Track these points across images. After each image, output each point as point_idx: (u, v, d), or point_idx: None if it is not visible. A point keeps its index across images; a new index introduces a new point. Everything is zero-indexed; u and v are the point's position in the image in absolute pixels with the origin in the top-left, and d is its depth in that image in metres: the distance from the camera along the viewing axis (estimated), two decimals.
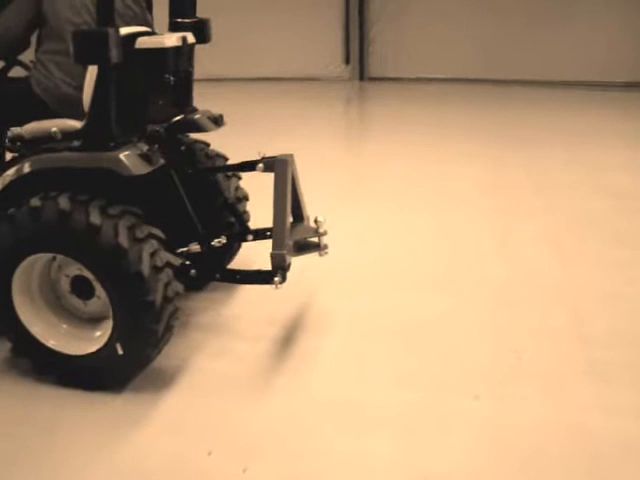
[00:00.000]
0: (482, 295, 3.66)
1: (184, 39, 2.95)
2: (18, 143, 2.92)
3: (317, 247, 3.26)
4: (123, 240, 2.56)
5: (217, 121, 3.37)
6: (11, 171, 2.79)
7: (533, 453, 2.45)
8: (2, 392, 2.92)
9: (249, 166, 3.31)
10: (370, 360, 3.08)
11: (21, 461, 2.51)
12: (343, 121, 9.38)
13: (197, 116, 3.30)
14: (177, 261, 2.85)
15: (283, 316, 3.44)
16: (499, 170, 6.06)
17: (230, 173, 3.60)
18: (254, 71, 11.48)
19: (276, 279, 2.92)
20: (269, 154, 3.23)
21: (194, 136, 3.54)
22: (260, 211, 3.50)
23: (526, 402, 2.75)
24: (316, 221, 3.25)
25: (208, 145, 3.66)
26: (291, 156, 3.21)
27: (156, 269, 2.65)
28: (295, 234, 3.18)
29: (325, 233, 3.25)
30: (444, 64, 10.72)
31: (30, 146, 2.86)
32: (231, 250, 3.62)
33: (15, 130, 2.90)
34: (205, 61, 11.42)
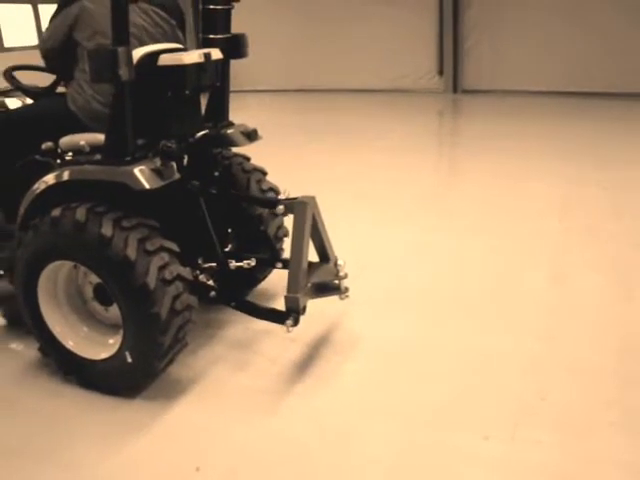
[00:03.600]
0: (521, 326, 3.46)
1: (207, 56, 2.99)
2: (51, 155, 3.06)
3: (337, 290, 3.22)
4: (131, 252, 2.63)
5: (250, 136, 3.40)
6: (42, 181, 2.93)
7: None
8: (32, 390, 3.08)
9: (270, 204, 3.32)
10: (385, 389, 2.98)
11: (30, 454, 2.65)
12: (431, 134, 9.23)
13: (229, 131, 3.35)
14: (190, 275, 2.88)
15: (309, 335, 3.39)
16: (577, 189, 5.76)
17: (266, 187, 3.61)
18: (347, 82, 11.59)
19: (288, 322, 2.93)
20: (340, 169, 3.18)
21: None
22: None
23: (539, 448, 2.55)
24: (336, 264, 3.21)
25: (248, 159, 3.69)
26: (312, 198, 3.18)
27: (164, 282, 2.70)
28: (315, 276, 3.15)
29: (345, 277, 3.21)
30: (540, 76, 10.36)
31: (61, 158, 2.99)
32: (261, 273, 3.62)
33: (49, 143, 3.05)
34: (299, 72, 11.77)
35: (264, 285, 3.79)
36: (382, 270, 4.11)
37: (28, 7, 11.54)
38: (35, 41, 11.82)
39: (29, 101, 3.61)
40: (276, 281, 3.74)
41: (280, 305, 3.32)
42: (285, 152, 3.60)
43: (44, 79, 3.52)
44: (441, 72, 11.16)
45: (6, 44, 11.42)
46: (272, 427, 2.74)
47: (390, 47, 11.30)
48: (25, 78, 3.54)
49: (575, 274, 4.10)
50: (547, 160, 6.82)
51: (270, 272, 3.73)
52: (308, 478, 2.46)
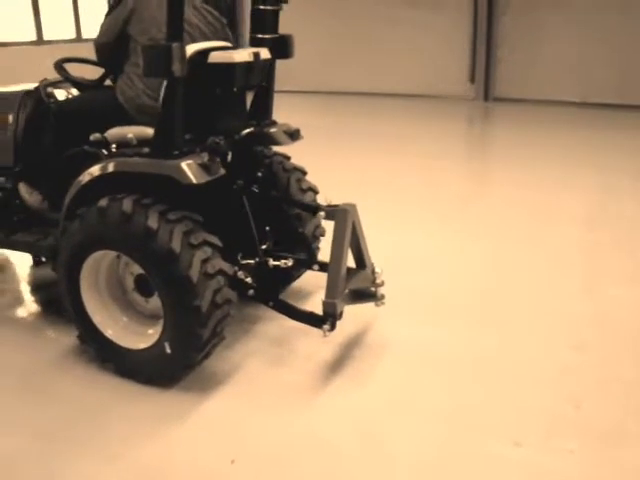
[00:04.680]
0: (552, 335, 3.46)
1: (256, 55, 3.03)
2: (99, 146, 3.11)
3: (374, 297, 3.26)
4: (176, 245, 2.68)
5: (293, 135, 3.44)
6: (89, 171, 2.99)
7: None
8: (68, 377, 3.15)
9: (311, 209, 3.40)
10: (417, 391, 3.00)
11: (68, 434, 2.73)
12: (460, 141, 9.22)
13: (273, 129, 3.39)
14: (231, 270, 2.92)
15: (341, 336, 3.41)
16: (608, 200, 5.74)
17: (305, 186, 3.65)
18: (380, 86, 11.62)
19: (325, 326, 2.98)
20: (369, 173, 3.23)
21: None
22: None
23: (573, 457, 2.55)
24: (374, 272, 3.25)
25: (288, 158, 3.73)
26: (353, 206, 3.23)
27: (206, 275, 2.74)
28: (353, 282, 3.19)
29: (382, 284, 3.26)
30: (573, 87, 10.30)
31: (108, 149, 3.05)
32: (297, 271, 3.66)
33: (97, 134, 3.10)
34: (331, 75, 11.80)
35: (297, 283, 3.83)
36: (412, 274, 4.12)
37: (103, 1, 11.72)
38: (74, 34, 12.06)
39: (75, 93, 3.67)
40: (309, 280, 3.79)
41: (312, 304, 3.39)
42: (314, 153, 3.65)
43: (88, 71, 3.59)
44: (473, 79, 11.13)
45: (45, 37, 11.58)
46: (306, 422, 2.78)
47: (423, 53, 11.31)
48: (71, 70, 3.61)
49: (606, 284, 4.09)
50: (579, 170, 6.79)
51: (305, 271, 3.76)
52: (340, 474, 2.48)
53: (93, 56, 3.40)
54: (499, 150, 8.29)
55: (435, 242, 4.84)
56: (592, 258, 4.51)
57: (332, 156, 3.71)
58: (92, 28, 12.07)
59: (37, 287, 4.28)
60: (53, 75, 3.76)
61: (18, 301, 4.08)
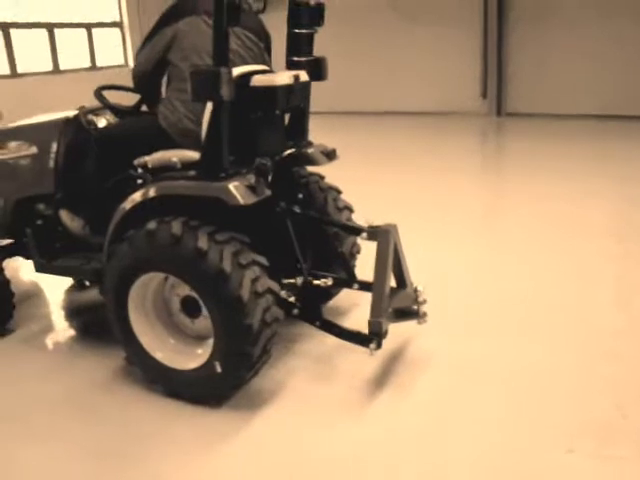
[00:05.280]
0: (590, 345, 3.48)
1: (296, 77, 3.10)
2: (144, 171, 3.18)
3: (416, 315, 3.31)
4: (227, 265, 2.73)
5: (330, 155, 3.50)
6: (136, 195, 3.06)
7: None
8: (118, 395, 3.21)
9: (353, 231, 3.47)
10: (462, 402, 3.04)
11: (121, 454, 2.76)
12: (474, 156, 9.27)
13: (310, 150, 3.46)
14: (278, 288, 2.97)
15: (383, 351, 3.42)
16: (632, 211, 5.77)
17: (341, 205, 3.71)
18: (394, 105, 11.74)
19: (371, 345, 3.03)
20: (385, 190, 3.29)
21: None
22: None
23: (625, 464, 2.57)
24: (416, 290, 3.31)
25: (323, 178, 3.80)
26: (394, 226, 3.30)
27: (256, 294, 2.79)
28: (395, 301, 3.25)
29: (424, 302, 3.31)
30: (585, 100, 10.36)
31: (153, 174, 3.11)
32: (333, 290, 3.70)
33: (141, 159, 3.17)
34: (345, 95, 11.90)
35: (332, 301, 3.87)
36: (445, 289, 4.15)
37: (117, 30, 12.40)
38: (122, 61, 12.69)
39: (113, 119, 3.75)
40: (344, 297, 3.85)
41: (349, 322, 3.43)
42: (332, 171, 3.72)
43: (120, 98, 3.68)
44: (485, 95, 11.22)
45: (98, 64, 12.14)
46: (356, 437, 2.80)
47: (434, 70, 11.43)
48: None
49: (637, 296, 4.11)
50: (597, 182, 6.82)
51: (341, 290, 3.81)
52: None
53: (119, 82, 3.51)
54: (516, 163, 8.33)
55: (464, 256, 4.88)
56: (620, 268, 4.54)
57: (345, 174, 3.78)
58: (105, 57, 12.31)
59: (74, 311, 4.35)
60: (70, 104, 3.87)
61: (58, 325, 4.14)
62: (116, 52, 12.87)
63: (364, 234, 3.32)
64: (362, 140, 9.70)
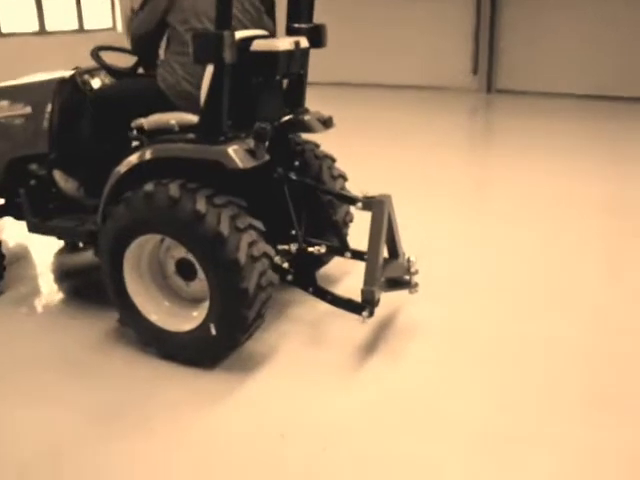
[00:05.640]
0: (578, 315, 3.56)
1: (297, 43, 3.10)
2: (141, 133, 3.17)
3: (408, 284, 3.35)
4: (224, 228, 2.75)
5: (326, 123, 3.51)
6: (133, 157, 3.05)
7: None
8: (112, 356, 3.23)
9: (349, 200, 3.48)
10: (450, 367, 3.11)
11: (117, 414, 2.80)
12: (463, 132, 9.30)
13: (307, 117, 3.46)
14: (273, 252, 3.00)
15: (376, 318, 3.48)
16: (621, 191, 5.84)
17: (336, 173, 3.73)
18: (382, 78, 11.69)
19: (364, 313, 3.08)
20: (374, 163, 3.32)
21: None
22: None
23: (612, 430, 2.66)
24: (409, 260, 3.35)
25: (318, 146, 3.81)
26: (389, 197, 3.33)
27: (252, 258, 2.82)
28: (388, 271, 3.29)
29: (416, 272, 3.36)
30: (576, 79, 10.38)
31: (150, 136, 3.11)
32: (325, 258, 3.73)
33: (138, 121, 3.16)
34: (336, 66, 11.84)
35: (324, 269, 3.91)
36: (435, 259, 4.18)
37: None
38: (110, 24, 12.53)
39: (108, 81, 3.73)
40: (336, 265, 3.89)
41: (341, 289, 3.47)
42: (321, 141, 3.76)
43: (115, 60, 3.65)
44: (475, 71, 11.20)
45: (86, 26, 12.02)
46: (346, 398, 2.87)
47: (426, 44, 11.39)
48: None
49: (629, 271, 4.19)
50: (587, 160, 6.90)
51: (332, 258, 3.84)
52: (386, 445, 2.57)
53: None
54: (506, 140, 8.36)
55: (453, 228, 4.93)
56: (611, 243, 4.62)
57: (334, 144, 3.81)
58: (92, 19, 12.12)
59: (65, 274, 4.35)
60: (56, 66, 3.84)
61: (49, 287, 4.15)
62: (104, 15, 12.67)
63: (359, 204, 3.35)
64: (352, 112, 9.65)
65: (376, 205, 3.26)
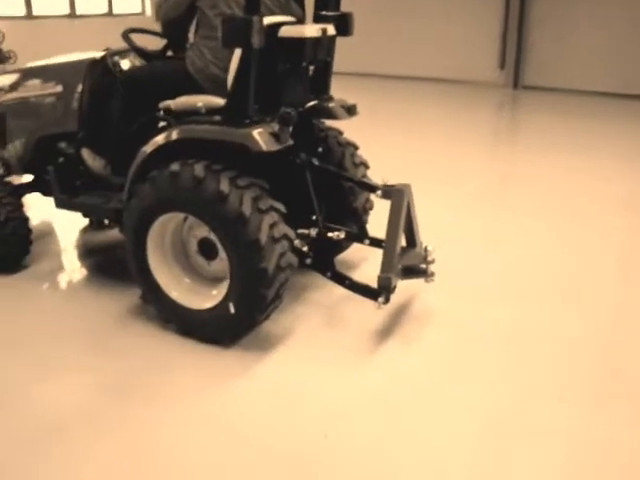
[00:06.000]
0: (592, 312, 3.58)
1: (324, 31, 3.15)
2: (169, 114, 3.24)
3: (424, 273, 3.39)
4: (246, 209, 2.82)
5: (350, 110, 3.56)
6: (160, 137, 3.12)
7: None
8: (132, 331, 3.32)
9: (369, 188, 3.53)
10: (463, 355, 3.16)
11: (134, 385, 2.89)
12: (487, 127, 9.27)
13: (331, 104, 3.51)
14: (294, 235, 3.06)
15: (391, 304, 3.53)
16: None
17: (358, 161, 3.77)
18: (409, 70, 11.69)
19: (380, 299, 3.13)
20: (396, 155, 3.35)
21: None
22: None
23: (613, 413, 2.71)
24: (426, 249, 3.40)
25: (341, 133, 3.85)
26: (408, 186, 3.38)
27: (273, 239, 2.88)
28: (405, 259, 3.34)
29: (433, 261, 3.40)
30: (605, 77, 10.27)
31: (177, 117, 3.17)
32: (344, 244, 3.79)
33: (166, 102, 3.23)
34: (362, 57, 11.83)
35: (342, 255, 3.97)
36: (453, 251, 4.22)
37: None
38: (139, 9, 12.92)
39: (138, 63, 3.80)
40: (354, 252, 3.95)
41: (358, 276, 3.51)
42: (346, 131, 3.82)
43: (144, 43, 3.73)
44: (502, 66, 11.14)
45: (115, 11, 12.41)
46: (361, 379, 2.93)
47: (453, 38, 11.35)
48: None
49: None
50: (610, 159, 6.86)
51: (351, 244, 3.90)
52: (398, 425, 2.64)
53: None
54: (531, 137, 8.32)
55: (473, 221, 4.96)
56: (626, 242, 4.61)
57: (358, 135, 3.85)
58: (122, 4, 12.25)
59: (89, 251, 4.45)
60: (85, 48, 3.92)
61: (73, 264, 4.25)
62: (134, 0, 12.80)
63: (379, 192, 3.40)
64: (377, 102, 9.68)
65: (395, 194, 3.31)
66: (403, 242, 3.43)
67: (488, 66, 11.26)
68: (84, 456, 2.46)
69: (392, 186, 3.38)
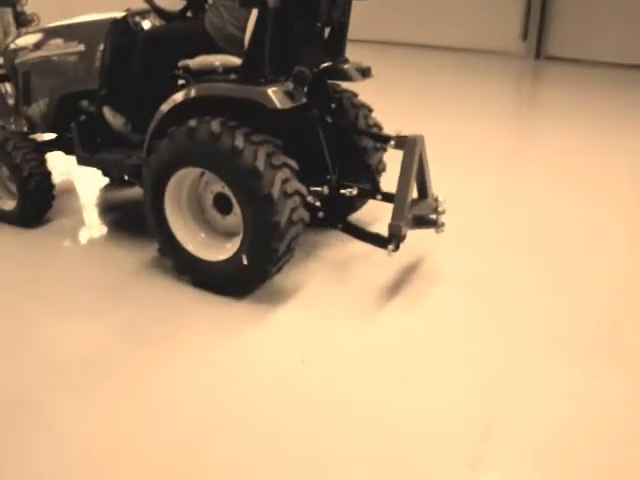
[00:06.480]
0: (597, 278, 3.64)
1: None
2: (187, 72, 3.33)
3: (435, 224, 3.47)
4: (260, 164, 2.92)
5: (364, 72, 3.63)
6: (178, 95, 3.23)
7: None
8: (148, 282, 3.47)
9: (382, 139, 3.61)
10: (469, 313, 3.25)
11: (148, 333, 3.03)
12: (506, 99, 9.22)
13: (346, 66, 3.59)
14: (305, 191, 3.16)
15: (399, 264, 3.64)
16: None
17: (372, 122, 3.85)
18: (428, 38, 11.61)
19: (390, 247, 3.21)
20: (413, 122, 3.42)
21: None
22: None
23: (608, 377, 2.79)
24: (436, 200, 3.46)
25: (356, 95, 3.93)
26: (421, 137, 3.44)
27: (285, 194, 2.99)
28: (416, 209, 3.41)
29: (443, 212, 3.46)
30: (633, 49, 10.08)
31: (195, 76, 3.27)
32: (359, 202, 3.91)
33: (184, 61, 3.33)
34: (381, 24, 11.69)
35: (356, 215, 4.07)
36: (465, 214, 4.30)
37: None
38: None
39: (158, 23, 3.89)
40: (368, 212, 4.04)
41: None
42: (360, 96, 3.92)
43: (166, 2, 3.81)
44: (525, 36, 11.01)
45: None
46: (367, 334, 3.04)
47: (473, 3, 11.22)
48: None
49: None
50: (631, 134, 6.79)
51: (365, 203, 3.99)
52: (396, 381, 2.74)
53: None
54: (548, 111, 8.29)
55: (481, 186, 5.01)
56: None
57: (374, 104, 3.95)
58: None
59: (109, 208, 4.59)
60: (105, 8, 4.01)
61: (93, 219, 4.39)
62: None
63: (392, 142, 3.47)
64: (394, 70, 9.66)
65: (409, 143, 3.38)
66: (415, 194, 3.50)
67: (509, 35, 11.12)
68: (92, 391, 2.62)
69: (405, 136, 3.44)
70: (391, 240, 3.20)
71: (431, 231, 3.54)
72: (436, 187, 3.63)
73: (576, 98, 8.62)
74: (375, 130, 3.85)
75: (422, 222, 3.44)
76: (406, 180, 3.26)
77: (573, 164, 5.74)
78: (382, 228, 3.47)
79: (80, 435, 2.41)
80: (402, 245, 3.31)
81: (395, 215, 3.21)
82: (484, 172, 5.41)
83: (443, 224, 3.45)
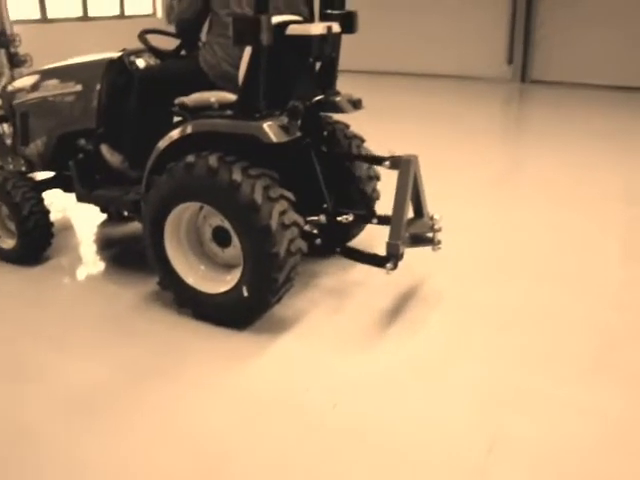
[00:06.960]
0: (592, 297, 3.71)
1: (329, 28, 3.31)
2: (183, 110, 3.42)
3: (431, 242, 3.54)
4: (258, 197, 2.99)
5: (356, 104, 3.72)
6: (175, 132, 3.30)
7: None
8: (148, 316, 3.50)
9: (377, 161, 3.69)
10: (467, 338, 3.30)
11: (150, 367, 3.05)
12: (495, 121, 9.39)
13: (338, 98, 3.68)
14: (303, 222, 3.23)
15: (397, 289, 3.71)
16: None
17: (364, 153, 3.93)
18: (416, 66, 11.81)
19: (388, 265, 3.28)
20: (407, 148, 3.52)
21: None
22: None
23: (604, 388, 2.85)
24: (432, 218, 3.53)
25: (348, 127, 4.02)
26: (415, 157, 3.52)
27: (283, 226, 3.06)
28: (412, 228, 3.48)
29: (440, 230, 3.54)
30: (614, 70, 10.32)
31: (192, 113, 3.35)
32: (356, 229, 3.98)
33: (181, 99, 3.41)
34: (369, 54, 11.93)
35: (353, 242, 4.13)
36: (459, 236, 4.35)
37: None
38: (150, 10, 13.13)
39: (154, 62, 3.98)
40: (364, 239, 4.11)
41: None
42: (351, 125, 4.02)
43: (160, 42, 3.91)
44: (510, 60, 11.24)
45: (127, 12, 12.65)
46: (369, 362, 3.08)
47: (460, 32, 11.46)
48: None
49: None
50: (615, 153, 6.95)
51: (362, 230, 4.06)
52: (405, 405, 2.78)
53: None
54: (535, 130, 8.45)
55: (474, 210, 5.09)
56: (629, 230, 4.74)
57: (370, 131, 4.04)
58: (133, 6, 12.45)
59: (107, 244, 4.64)
60: (98, 49, 4.11)
61: (92, 255, 4.44)
62: (145, 1, 13.01)
63: (386, 163, 3.55)
64: (384, 99, 9.83)
65: (403, 163, 3.46)
66: (411, 213, 3.56)
67: (495, 61, 11.36)
68: (95, 424, 2.64)
69: (399, 157, 3.52)
70: (389, 259, 3.26)
71: (427, 252, 3.60)
72: (431, 206, 3.70)
73: (560, 118, 8.83)
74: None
75: (419, 240, 3.50)
76: (402, 199, 3.34)
77: (561, 181, 5.86)
78: (379, 251, 3.53)
79: (84, 468, 2.42)
80: (399, 269, 3.36)
81: (392, 234, 3.28)
82: (477, 191, 5.51)
83: (439, 242, 3.52)
